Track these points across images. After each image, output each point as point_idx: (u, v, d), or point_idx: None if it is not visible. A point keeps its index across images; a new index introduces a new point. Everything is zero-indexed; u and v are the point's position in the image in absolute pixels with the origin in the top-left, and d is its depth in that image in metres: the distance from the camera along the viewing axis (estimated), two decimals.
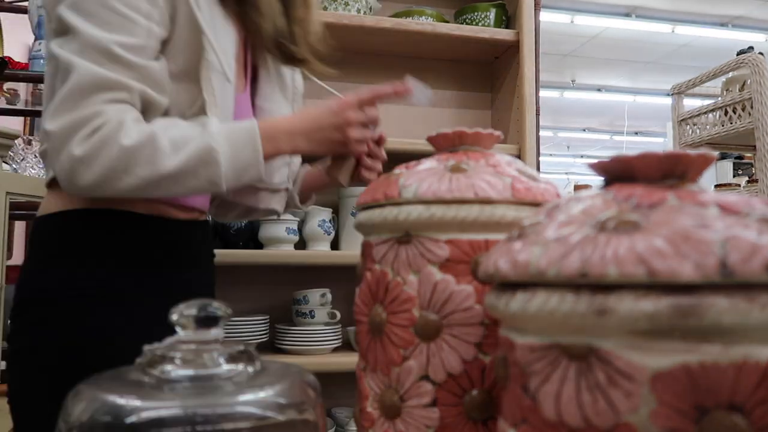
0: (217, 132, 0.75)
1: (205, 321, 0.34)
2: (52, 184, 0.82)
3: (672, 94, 2.11)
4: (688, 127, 2.07)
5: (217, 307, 0.34)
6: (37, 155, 1.58)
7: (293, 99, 1.01)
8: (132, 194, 0.73)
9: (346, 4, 1.60)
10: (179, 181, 0.73)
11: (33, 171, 1.57)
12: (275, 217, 1.04)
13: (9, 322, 0.82)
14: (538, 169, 1.70)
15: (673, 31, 6.01)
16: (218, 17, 0.82)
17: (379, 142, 0.92)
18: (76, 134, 0.69)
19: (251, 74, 0.97)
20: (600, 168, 0.32)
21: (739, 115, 1.83)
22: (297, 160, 1.04)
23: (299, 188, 1.06)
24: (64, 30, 0.72)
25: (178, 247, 0.88)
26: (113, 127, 0.70)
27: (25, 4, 1.74)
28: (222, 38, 0.81)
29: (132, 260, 0.82)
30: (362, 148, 0.86)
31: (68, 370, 0.73)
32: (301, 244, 1.60)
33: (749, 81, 1.79)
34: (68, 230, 0.80)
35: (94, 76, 0.70)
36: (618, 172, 0.31)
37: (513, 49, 1.72)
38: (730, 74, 1.94)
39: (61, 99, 0.70)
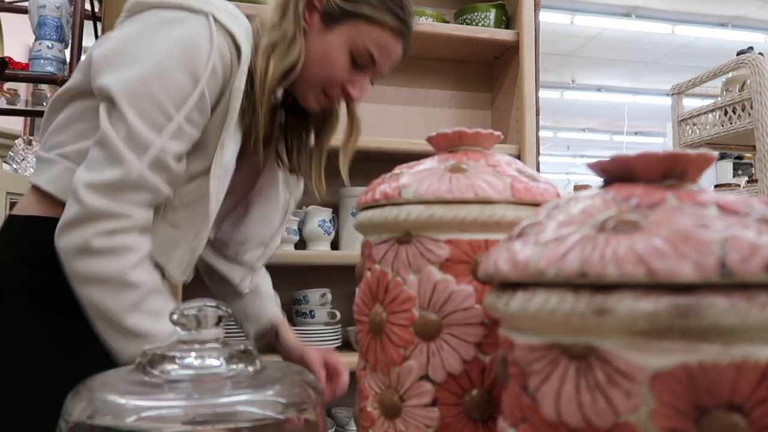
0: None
1: (205, 321, 0.34)
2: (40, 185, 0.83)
3: (672, 94, 2.11)
4: (688, 127, 2.07)
5: (217, 307, 0.34)
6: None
7: (285, 209, 1.06)
8: (84, 293, 0.74)
9: None
10: (112, 334, 0.74)
11: (33, 171, 1.57)
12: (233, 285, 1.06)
13: None
14: (538, 169, 1.70)
15: (673, 31, 6.01)
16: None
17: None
18: (101, 223, 0.73)
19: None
20: (600, 168, 0.32)
21: (739, 115, 1.83)
22: (274, 244, 1.07)
23: (250, 324, 1.07)
24: (108, 100, 0.75)
25: None
26: (131, 243, 0.75)
27: (25, 4, 1.73)
28: (232, 139, 0.84)
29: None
30: None
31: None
32: (301, 244, 1.60)
33: (749, 81, 1.79)
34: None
35: (141, 178, 0.74)
36: (618, 172, 0.31)
37: (513, 49, 1.72)
38: (730, 74, 1.94)
39: (105, 182, 0.73)
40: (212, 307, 0.34)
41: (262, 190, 1.03)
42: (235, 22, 0.81)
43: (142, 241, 0.76)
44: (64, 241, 0.74)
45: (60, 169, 0.83)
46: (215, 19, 0.78)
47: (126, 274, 0.74)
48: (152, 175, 0.75)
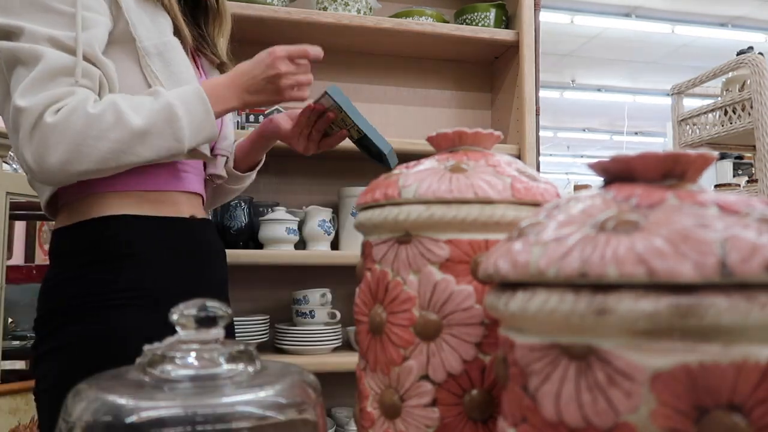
0: (170, 94, 0.80)
1: (205, 321, 0.34)
2: (55, 202, 0.87)
3: (672, 94, 2.11)
4: (688, 127, 2.07)
5: (217, 307, 0.34)
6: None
7: None
8: (103, 165, 0.77)
9: (346, 4, 1.60)
10: (147, 140, 0.78)
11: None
12: (218, 182, 1.09)
13: (35, 327, 0.85)
14: (538, 169, 1.70)
15: (673, 31, 6.01)
16: (148, 11, 0.88)
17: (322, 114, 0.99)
18: (49, 108, 0.74)
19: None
20: (600, 168, 0.32)
21: (739, 115, 1.83)
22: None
23: (234, 156, 1.11)
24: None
25: (197, 246, 0.93)
26: (81, 100, 0.75)
27: None
28: (153, 28, 0.86)
29: (158, 262, 0.86)
30: (298, 94, 0.92)
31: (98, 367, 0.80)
32: (301, 244, 1.60)
33: (749, 81, 1.79)
34: (96, 238, 0.84)
35: (64, 62, 0.76)
36: (618, 172, 0.31)
37: (513, 49, 1.72)
38: (730, 74, 1.94)
39: (32, 80, 0.74)
40: (212, 307, 0.34)
41: None
42: None
43: (87, 99, 0.77)
44: (32, 157, 0.75)
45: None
46: None
47: (92, 115, 0.75)
48: (69, 56, 0.76)
